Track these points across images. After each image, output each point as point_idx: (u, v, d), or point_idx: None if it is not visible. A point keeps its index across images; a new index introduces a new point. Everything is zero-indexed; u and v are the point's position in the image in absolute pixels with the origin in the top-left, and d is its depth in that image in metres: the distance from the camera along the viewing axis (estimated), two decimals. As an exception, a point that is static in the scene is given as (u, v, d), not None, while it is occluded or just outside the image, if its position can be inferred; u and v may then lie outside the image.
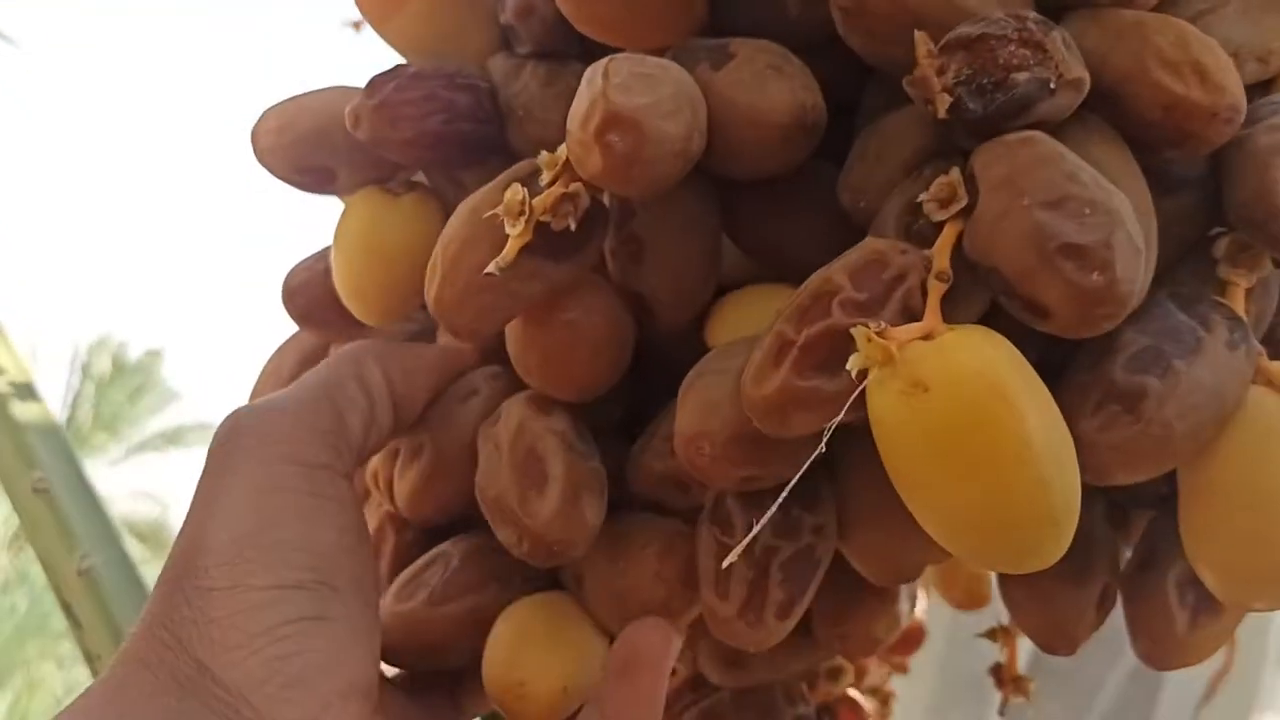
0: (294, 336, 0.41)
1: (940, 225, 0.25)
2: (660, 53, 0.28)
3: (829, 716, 0.38)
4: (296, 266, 0.38)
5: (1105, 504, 0.32)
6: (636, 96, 0.25)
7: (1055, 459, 0.22)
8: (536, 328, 0.30)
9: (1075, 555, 0.31)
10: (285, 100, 0.34)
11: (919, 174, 0.26)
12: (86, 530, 0.45)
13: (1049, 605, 0.31)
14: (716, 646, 0.36)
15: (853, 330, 0.22)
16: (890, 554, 0.29)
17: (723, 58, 0.27)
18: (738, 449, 0.25)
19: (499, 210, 0.26)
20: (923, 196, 0.24)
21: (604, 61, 0.26)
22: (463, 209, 0.29)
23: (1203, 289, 0.27)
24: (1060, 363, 0.26)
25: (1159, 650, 0.30)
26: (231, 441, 0.28)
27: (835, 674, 0.39)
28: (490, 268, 0.26)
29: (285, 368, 0.41)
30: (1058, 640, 0.31)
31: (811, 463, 0.26)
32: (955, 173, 0.24)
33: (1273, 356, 0.28)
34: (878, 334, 0.22)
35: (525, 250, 0.27)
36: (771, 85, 0.27)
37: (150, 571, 0.36)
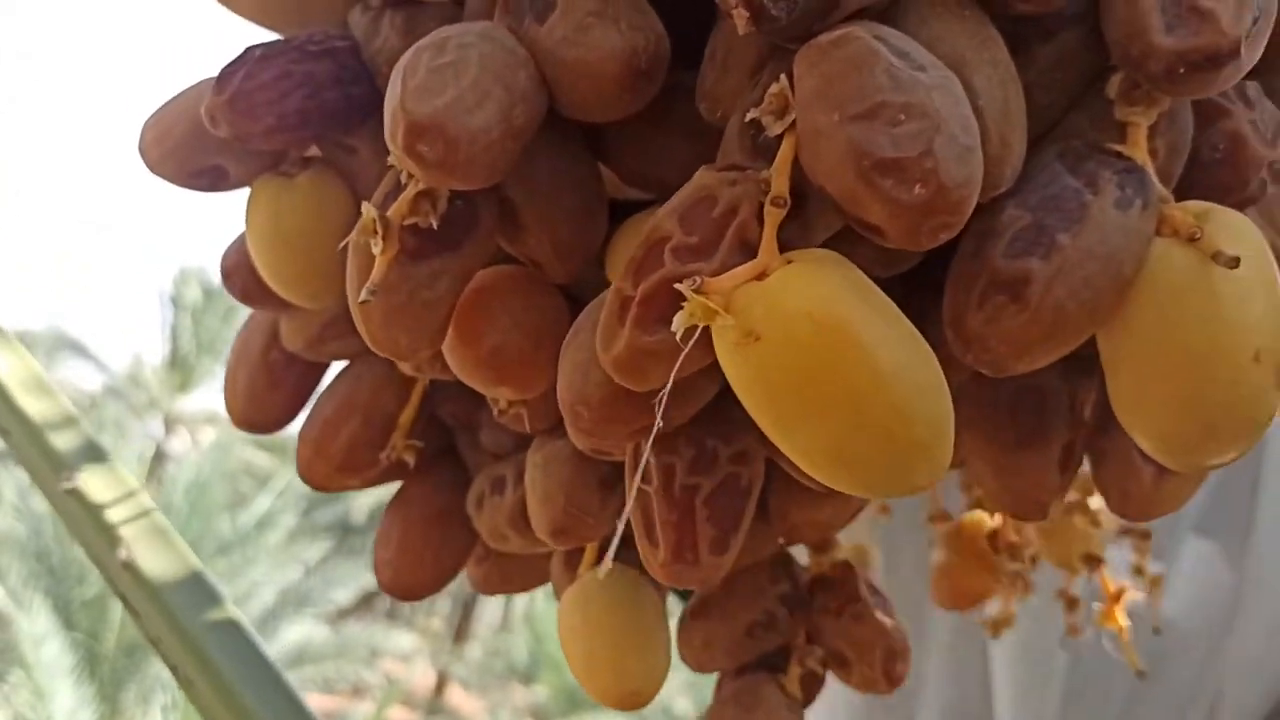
0: (255, 313, 0.41)
1: (781, 139, 0.23)
2: None
3: (820, 587, 0.38)
4: (229, 247, 0.38)
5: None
6: (435, 98, 0.24)
7: (913, 383, 0.21)
8: (467, 354, 0.29)
9: (1028, 417, 0.30)
10: (160, 107, 0.34)
11: (758, 80, 0.24)
12: (120, 519, 0.46)
13: (1009, 475, 0.30)
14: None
15: (676, 286, 0.21)
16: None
17: (545, 8, 0.26)
18: (616, 408, 0.25)
19: (353, 238, 0.26)
20: (752, 113, 0.23)
21: (405, 59, 0.25)
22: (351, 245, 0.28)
23: (1100, 136, 0.25)
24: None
25: (1129, 505, 0.29)
26: None
27: (824, 545, 0.38)
28: (363, 294, 0.25)
29: (254, 346, 0.41)
30: (1025, 508, 0.30)
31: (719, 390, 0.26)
32: (784, 80, 0.22)
33: (1204, 186, 0.26)
34: (696, 290, 0.20)
35: (415, 255, 0.26)
36: (596, 35, 0.25)
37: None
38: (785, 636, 0.37)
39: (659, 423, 0.21)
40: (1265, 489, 0.56)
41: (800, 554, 0.40)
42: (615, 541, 0.25)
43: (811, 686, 0.38)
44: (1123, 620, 0.39)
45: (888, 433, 0.20)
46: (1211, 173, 0.26)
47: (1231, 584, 0.55)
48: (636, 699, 0.33)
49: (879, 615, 0.37)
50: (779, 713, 0.36)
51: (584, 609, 0.35)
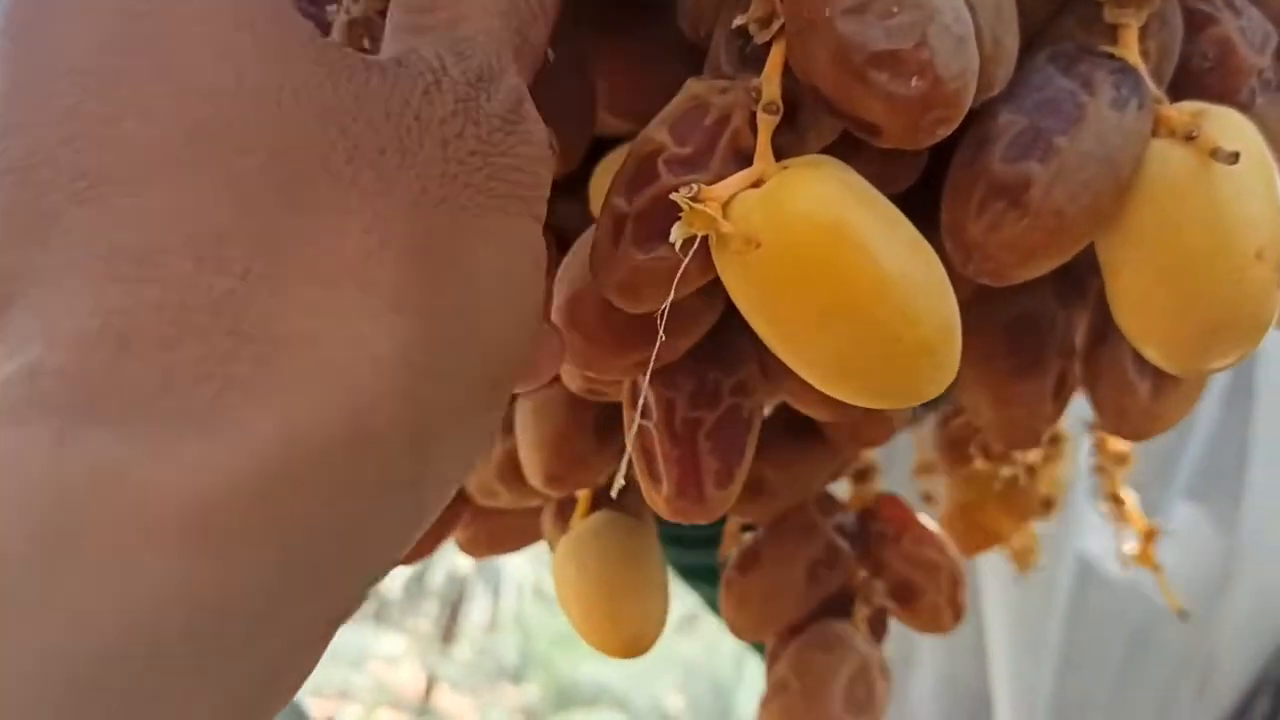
0: None
1: (769, 47, 0.22)
2: None
3: (871, 518, 0.36)
4: None
5: (1053, 278, 0.30)
6: None
7: (917, 285, 0.20)
8: None
9: (1025, 347, 0.29)
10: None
11: (742, -10, 0.23)
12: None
13: (1006, 405, 0.29)
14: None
15: (672, 196, 0.20)
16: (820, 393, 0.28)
17: None
18: (613, 334, 0.24)
19: None
20: (739, 20, 0.22)
21: None
22: None
23: (1090, 39, 0.24)
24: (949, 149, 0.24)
25: (1126, 424, 0.29)
26: None
27: (865, 474, 0.37)
28: None
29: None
30: (1018, 437, 0.30)
31: (719, 319, 0.25)
32: (770, -15, 0.22)
33: (1194, 95, 0.26)
34: (692, 198, 0.20)
35: None
36: None
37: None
38: (848, 573, 0.35)
39: (661, 336, 0.20)
40: (1255, 453, 0.56)
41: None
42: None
43: (879, 628, 0.37)
44: (1156, 559, 0.38)
45: (893, 335, 0.20)
46: (1202, 81, 0.26)
47: (1222, 548, 0.55)
48: (636, 645, 0.33)
49: (940, 538, 0.36)
50: (861, 648, 0.35)
51: (579, 558, 0.34)
